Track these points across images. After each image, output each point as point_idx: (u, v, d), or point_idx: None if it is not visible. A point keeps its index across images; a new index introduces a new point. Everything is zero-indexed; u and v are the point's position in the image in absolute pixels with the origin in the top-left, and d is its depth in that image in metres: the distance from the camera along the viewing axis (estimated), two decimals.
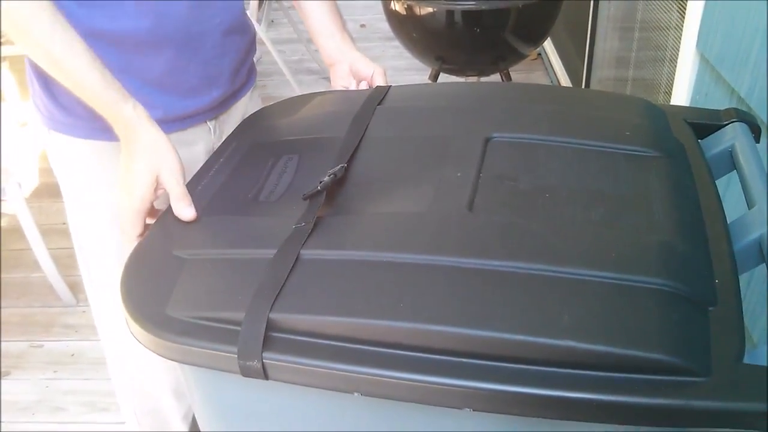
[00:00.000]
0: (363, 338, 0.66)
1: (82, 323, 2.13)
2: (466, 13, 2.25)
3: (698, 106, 1.35)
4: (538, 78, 3.39)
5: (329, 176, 0.83)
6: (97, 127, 0.98)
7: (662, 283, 0.67)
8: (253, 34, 1.19)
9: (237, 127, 1.06)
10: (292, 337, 0.68)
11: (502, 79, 2.54)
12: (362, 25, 4.04)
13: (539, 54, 3.50)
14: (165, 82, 1.04)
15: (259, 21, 3.17)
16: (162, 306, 0.72)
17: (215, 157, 0.98)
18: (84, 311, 2.16)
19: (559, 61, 3.20)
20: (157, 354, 0.72)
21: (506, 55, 2.45)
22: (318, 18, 1.19)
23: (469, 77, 2.64)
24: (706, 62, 1.32)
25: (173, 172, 0.89)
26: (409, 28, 2.40)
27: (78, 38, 0.88)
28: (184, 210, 0.85)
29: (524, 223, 0.76)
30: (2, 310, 2.19)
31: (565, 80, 3.07)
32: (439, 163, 0.86)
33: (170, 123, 1.02)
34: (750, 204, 0.81)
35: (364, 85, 1.15)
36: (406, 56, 2.62)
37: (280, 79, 3.41)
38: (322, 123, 1.01)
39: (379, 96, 1.04)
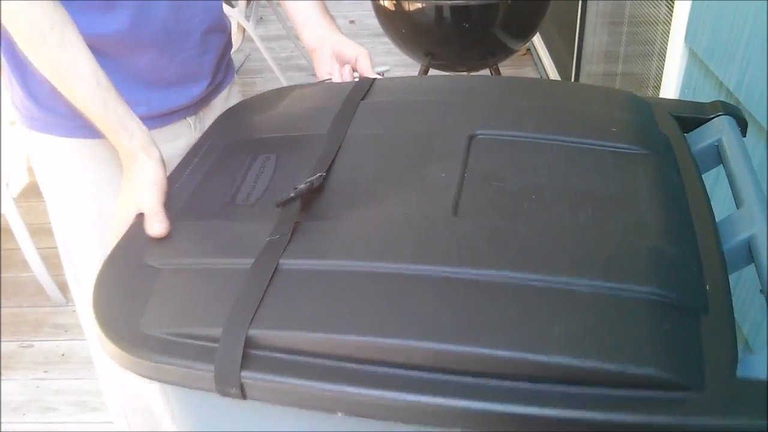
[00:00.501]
0: (346, 355, 0.63)
1: (71, 323, 2.11)
2: (455, 9, 2.24)
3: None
4: (528, 73, 3.39)
5: (306, 184, 0.78)
6: (76, 125, 0.98)
7: (652, 291, 0.65)
8: (230, 31, 1.18)
9: (212, 123, 1.03)
10: (272, 354, 0.64)
11: (491, 75, 2.54)
12: (351, 22, 4.03)
13: (528, 49, 3.50)
14: (146, 78, 1.04)
15: (247, 18, 3.16)
16: (135, 321, 0.69)
17: (190, 155, 0.94)
18: (74, 311, 2.11)
19: (549, 57, 3.20)
20: (133, 372, 0.68)
21: (495, 51, 2.45)
22: (301, 9, 1.17)
23: (459, 73, 2.64)
24: (694, 56, 1.32)
25: (155, 193, 0.86)
26: (398, 24, 2.40)
27: (85, 60, 0.89)
28: (154, 226, 0.81)
29: (510, 228, 0.73)
30: None
31: (554, 75, 3.07)
32: (423, 163, 0.83)
33: (153, 119, 1.03)
34: (738, 203, 0.80)
35: (347, 70, 1.12)
36: (395, 52, 2.61)
37: (269, 75, 3.40)
38: (301, 119, 0.98)
39: (362, 90, 1.00)
